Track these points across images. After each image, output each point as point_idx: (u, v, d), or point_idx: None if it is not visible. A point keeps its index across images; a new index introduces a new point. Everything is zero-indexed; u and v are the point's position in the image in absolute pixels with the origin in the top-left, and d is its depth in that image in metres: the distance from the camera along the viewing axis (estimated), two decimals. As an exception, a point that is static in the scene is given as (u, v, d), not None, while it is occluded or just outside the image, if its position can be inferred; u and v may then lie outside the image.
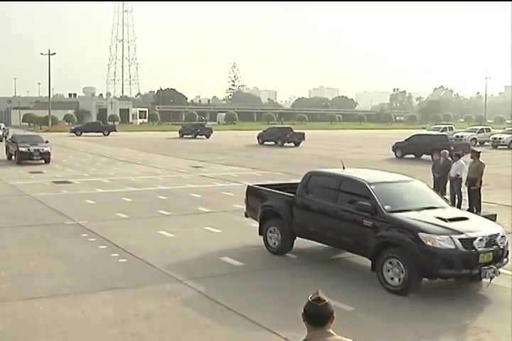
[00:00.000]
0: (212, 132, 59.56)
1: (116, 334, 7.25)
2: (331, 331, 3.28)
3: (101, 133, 63.19)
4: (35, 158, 29.25)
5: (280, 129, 49.83)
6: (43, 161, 29.41)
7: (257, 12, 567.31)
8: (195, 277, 9.59)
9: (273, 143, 46.67)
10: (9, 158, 31.57)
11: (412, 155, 34.98)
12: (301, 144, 45.86)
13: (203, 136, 58.52)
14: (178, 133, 60.82)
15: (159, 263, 10.37)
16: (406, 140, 36.25)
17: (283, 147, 44.87)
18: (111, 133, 64.48)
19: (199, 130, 60.29)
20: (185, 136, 59.22)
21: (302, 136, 46.44)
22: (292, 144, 45.86)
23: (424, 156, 33.80)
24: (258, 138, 48.48)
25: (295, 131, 48.32)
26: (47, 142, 30.76)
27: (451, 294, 8.87)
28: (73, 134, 62.60)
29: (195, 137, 58.37)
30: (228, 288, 9.08)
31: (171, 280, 9.47)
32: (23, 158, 29.29)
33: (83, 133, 62.39)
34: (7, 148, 32.59)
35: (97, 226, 13.59)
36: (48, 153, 29.64)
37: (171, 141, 52.79)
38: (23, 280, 9.38)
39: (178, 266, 10.33)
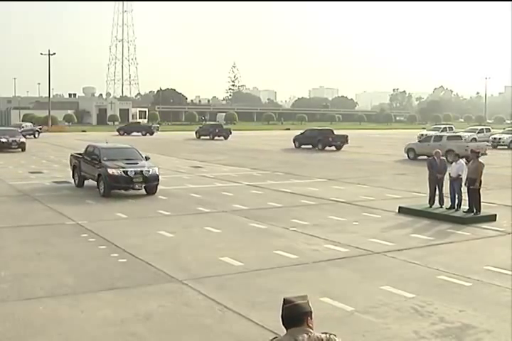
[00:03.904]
0: (158, 130, 67.41)
1: (116, 334, 7.26)
2: (309, 329, 3.38)
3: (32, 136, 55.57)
4: (136, 186, 18.46)
5: (212, 126, 61.66)
6: (144, 190, 18.73)
7: (257, 12, 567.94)
8: (195, 277, 9.59)
9: (208, 137, 56.43)
10: (81, 184, 20.63)
11: (310, 145, 42.38)
12: (229, 138, 55.88)
13: (147, 134, 64.16)
14: (117, 131, 64.26)
15: (159, 263, 10.38)
16: (301, 133, 44.38)
17: (214, 140, 54.61)
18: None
19: (152, 128, 67.22)
20: (125, 134, 63.18)
21: (229, 131, 57.49)
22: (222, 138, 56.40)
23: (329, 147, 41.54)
24: (196, 133, 58.53)
25: (224, 127, 60.49)
26: (148, 158, 20.18)
27: (451, 294, 8.88)
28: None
29: (145, 134, 63.48)
30: (228, 288, 9.08)
31: (171, 280, 9.47)
32: (115, 187, 18.49)
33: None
34: (76, 168, 21.00)
35: (97, 227, 13.59)
36: (156, 178, 18.84)
37: (170, 141, 52.75)
38: (23, 280, 9.38)
39: (178, 266, 10.33)
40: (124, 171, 18.24)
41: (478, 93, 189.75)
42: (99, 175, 18.68)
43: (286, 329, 3.38)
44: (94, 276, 9.64)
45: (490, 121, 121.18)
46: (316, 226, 13.92)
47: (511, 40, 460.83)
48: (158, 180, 18.91)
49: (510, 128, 53.07)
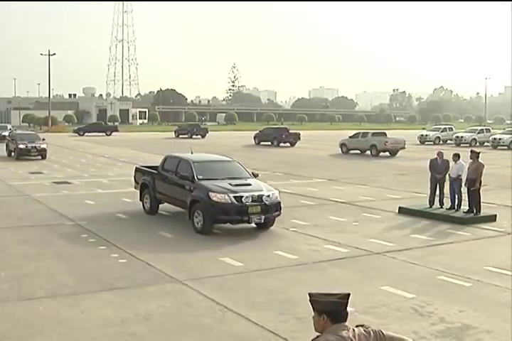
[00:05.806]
0: (116, 130, 67.64)
1: (116, 334, 7.26)
2: (348, 325, 3.41)
3: None
4: (255, 219, 12.70)
5: (190, 125, 66.62)
6: (255, 223, 13.11)
7: (257, 12, 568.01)
8: (195, 277, 9.60)
9: (186, 136, 60.21)
10: (154, 210, 15.16)
11: (269, 142, 47.02)
12: (206, 137, 59.75)
13: (106, 134, 65.26)
14: (75, 132, 64.55)
15: (159, 264, 10.38)
16: (260, 131, 50.02)
17: (192, 138, 57.78)
18: None
19: (114, 128, 69.92)
20: (87, 133, 63.76)
21: (206, 131, 62.34)
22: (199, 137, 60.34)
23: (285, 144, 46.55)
24: (175, 132, 62.73)
25: (202, 127, 65.63)
26: (256, 175, 14.43)
27: (451, 294, 8.88)
28: None
29: (111, 134, 64.87)
30: (228, 288, 9.09)
31: (171, 280, 9.48)
32: (221, 220, 12.79)
33: None
34: (148, 188, 15.15)
35: (97, 227, 13.58)
36: (278, 207, 13.16)
37: (171, 142, 52.75)
38: (23, 281, 9.38)
39: (178, 266, 10.34)
40: (235, 197, 12.51)
41: (478, 93, 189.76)
42: (193, 201, 12.98)
43: (331, 324, 3.32)
44: (94, 277, 9.64)
45: (490, 122, 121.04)
46: (316, 227, 13.92)
47: (511, 40, 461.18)
48: (281, 209, 13.19)
49: (510, 129, 53.06)
